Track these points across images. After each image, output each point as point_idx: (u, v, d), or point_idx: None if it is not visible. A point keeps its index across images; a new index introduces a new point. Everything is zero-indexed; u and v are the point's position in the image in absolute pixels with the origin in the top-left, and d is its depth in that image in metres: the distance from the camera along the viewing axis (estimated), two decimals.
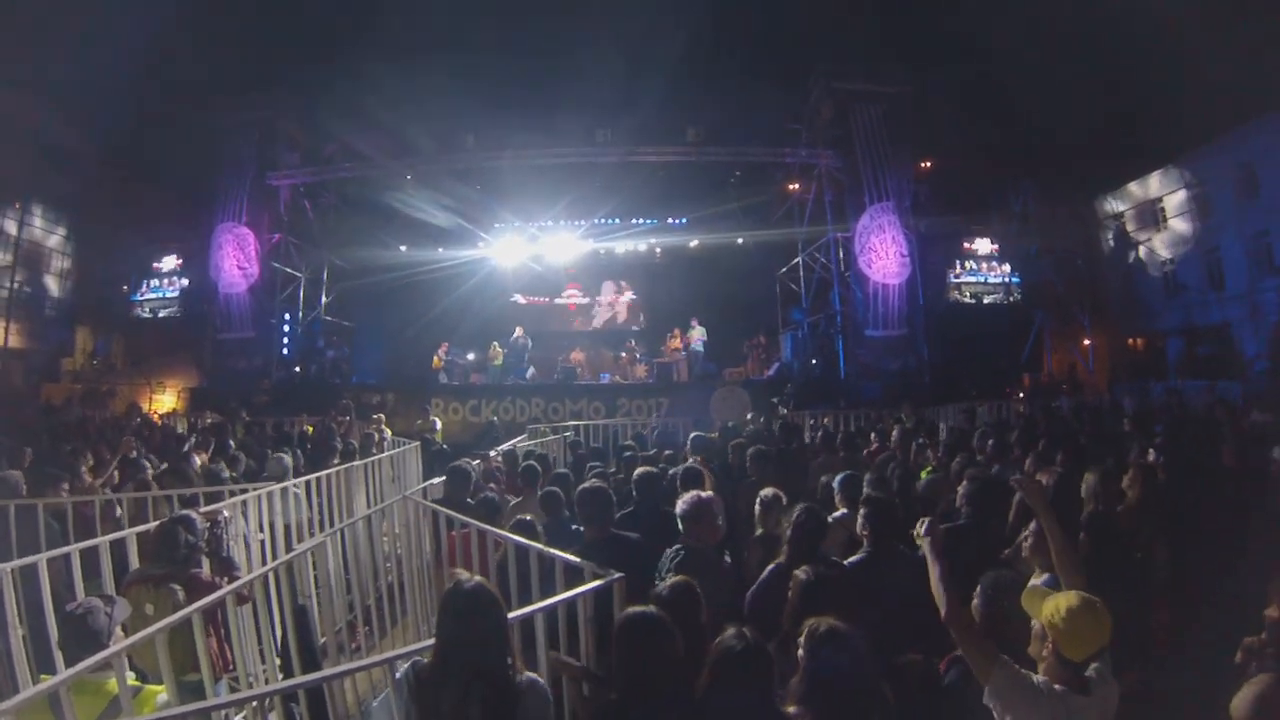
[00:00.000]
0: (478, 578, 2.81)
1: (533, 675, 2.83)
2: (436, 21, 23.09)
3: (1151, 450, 6.55)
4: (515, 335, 22.64)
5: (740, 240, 24.26)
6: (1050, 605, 2.84)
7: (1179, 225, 24.93)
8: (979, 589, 3.46)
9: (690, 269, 25.27)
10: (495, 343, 22.85)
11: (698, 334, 22.03)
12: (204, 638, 3.77)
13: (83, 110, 22.93)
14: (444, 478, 7.64)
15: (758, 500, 5.35)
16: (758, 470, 6.96)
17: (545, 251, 24.69)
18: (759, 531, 5.26)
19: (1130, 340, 27.72)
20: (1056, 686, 2.78)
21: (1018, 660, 2.94)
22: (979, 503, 5.06)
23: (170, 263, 26.23)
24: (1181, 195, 24.67)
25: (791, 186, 23.74)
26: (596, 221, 24.09)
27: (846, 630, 2.89)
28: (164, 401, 22.60)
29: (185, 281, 25.77)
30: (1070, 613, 2.77)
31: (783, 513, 4.83)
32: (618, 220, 24.31)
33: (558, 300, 27.40)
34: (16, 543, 5.76)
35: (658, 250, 25.68)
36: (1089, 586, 3.10)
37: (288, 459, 8.45)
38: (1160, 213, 25.60)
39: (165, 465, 8.46)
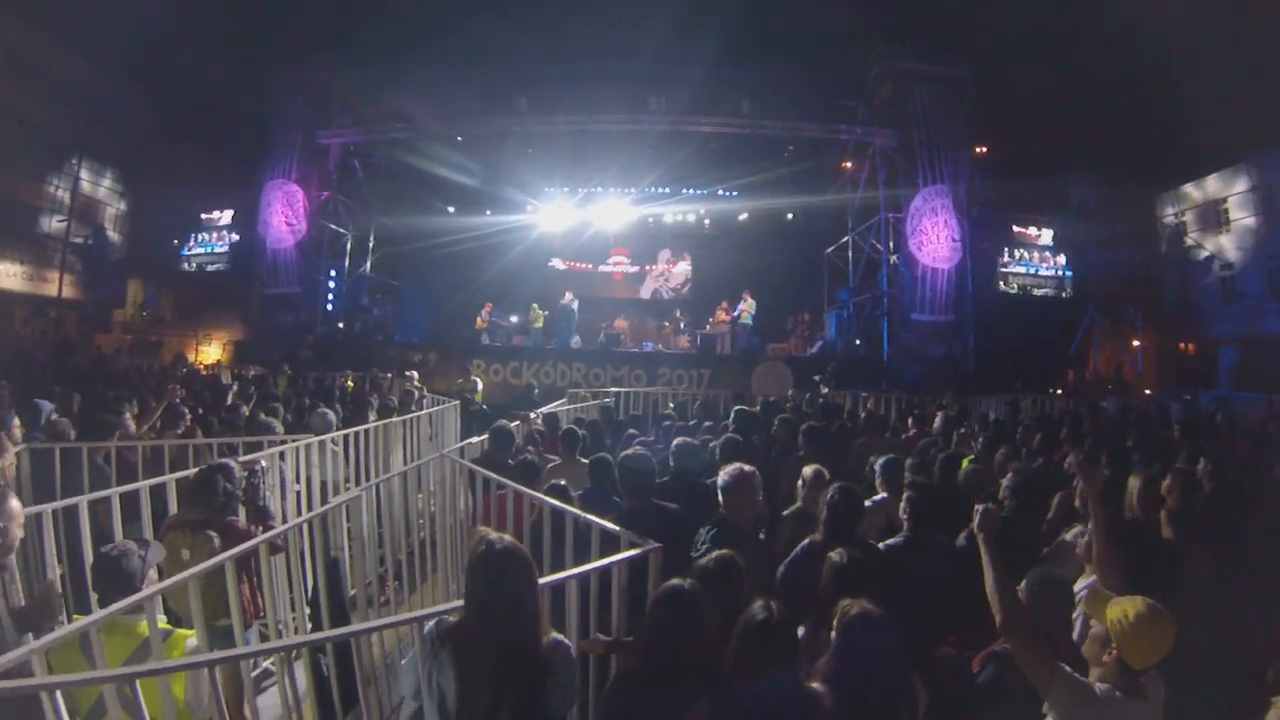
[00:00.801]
0: (508, 537, 2.74)
1: (558, 636, 2.79)
2: None
3: (1202, 459, 6.37)
4: (564, 300, 22.68)
5: (790, 216, 24.18)
6: (1117, 610, 2.78)
7: (1242, 229, 24.14)
8: (1025, 585, 3.39)
9: (739, 242, 25.26)
10: (535, 305, 22.88)
11: (748, 307, 21.86)
12: (236, 584, 3.77)
13: (138, 68, 23.19)
14: (483, 437, 7.67)
15: (800, 477, 5.28)
16: (808, 446, 6.90)
17: (593, 218, 24.70)
18: (796, 505, 5.20)
19: (1182, 345, 26.98)
20: (1117, 694, 2.74)
21: (1060, 657, 2.92)
22: (1023, 496, 4.97)
23: (220, 218, 26.48)
24: (1247, 198, 23.86)
25: (845, 164, 23.47)
26: (646, 189, 23.99)
27: (880, 614, 2.86)
28: (210, 353, 22.98)
29: (235, 237, 26.01)
30: (1139, 619, 2.71)
31: (824, 491, 4.77)
32: (667, 189, 24.23)
33: (603, 267, 27.43)
34: (61, 485, 5.87)
35: (707, 222, 25.68)
36: (1124, 591, 3.01)
37: (331, 414, 8.50)
38: (1223, 214, 24.74)
39: (218, 416, 8.58)
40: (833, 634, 2.91)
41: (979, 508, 3.42)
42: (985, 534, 3.32)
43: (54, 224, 23.73)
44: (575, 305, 22.68)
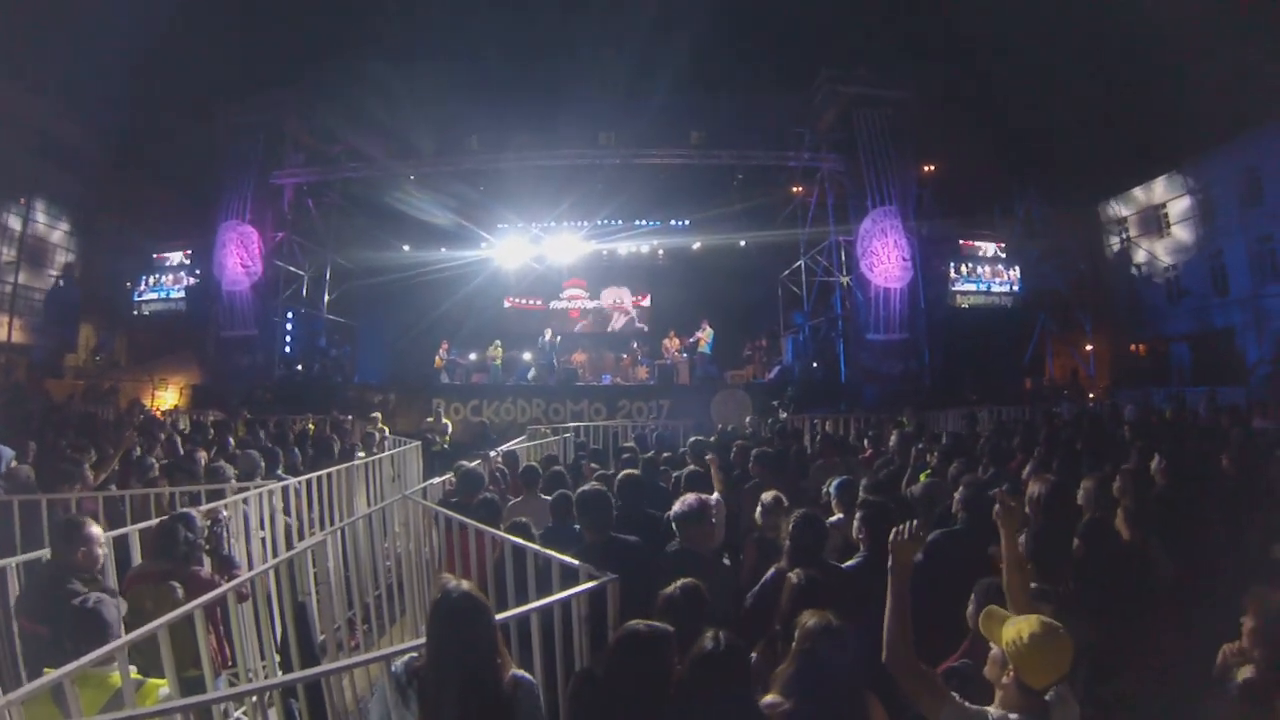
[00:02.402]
0: (465, 584, 2.84)
1: (519, 672, 2.87)
2: (441, 24, 23.22)
3: (1156, 455, 6.55)
4: (545, 338, 22.75)
5: (743, 243, 24.34)
6: (1012, 631, 2.73)
7: (1183, 230, 24.95)
8: (973, 595, 3.49)
9: (693, 271, 25.36)
10: (498, 341, 22.95)
11: (705, 335, 22.03)
12: (204, 634, 3.81)
13: (89, 108, 23.00)
14: (444, 477, 7.74)
15: (759, 503, 5.39)
16: (760, 472, 7.01)
17: (548, 252, 24.76)
18: (757, 532, 5.30)
19: (1133, 345, 27.66)
20: (1013, 717, 2.68)
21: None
22: (974, 508, 5.08)
23: (174, 260, 26.13)
24: (1185, 200, 24.69)
25: (794, 189, 23.73)
26: (599, 223, 24.11)
27: (838, 624, 2.95)
28: (166, 399, 22.65)
29: (189, 280, 25.65)
30: (1033, 639, 2.66)
31: (783, 516, 4.88)
32: (620, 221, 24.33)
33: (555, 303, 27.53)
34: (21, 538, 5.83)
35: (660, 253, 25.79)
36: (1085, 593, 3.09)
37: (256, 454, 8.47)
38: (1164, 218, 25.60)
39: (168, 462, 8.51)
40: (793, 645, 2.98)
41: (893, 533, 3.20)
42: (896, 560, 3.12)
43: (2, 265, 23.35)
44: (556, 341, 22.76)
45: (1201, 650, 3.59)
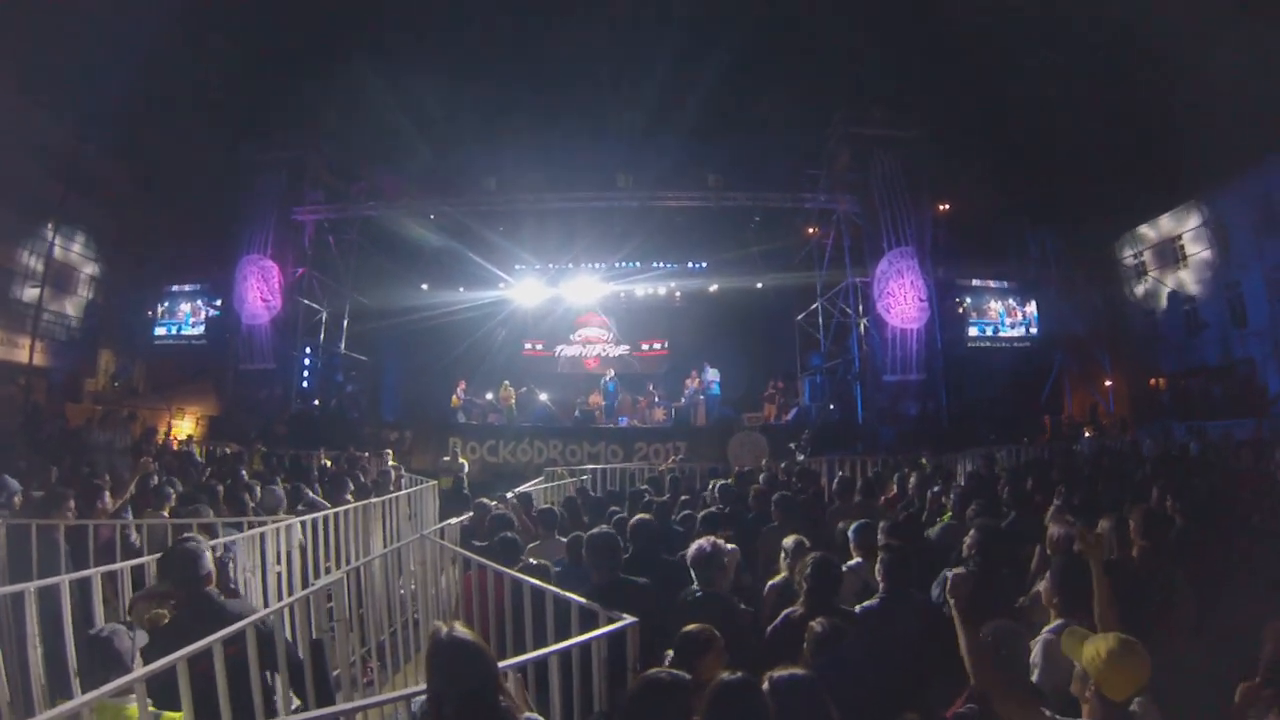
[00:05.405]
0: (459, 626, 2.80)
1: (533, 716, 2.85)
2: (461, 66, 23.46)
3: (1169, 497, 6.47)
4: (606, 377, 22.90)
5: (759, 285, 24.38)
6: (1090, 649, 2.92)
7: (1199, 262, 24.75)
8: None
9: (710, 314, 25.46)
10: (506, 382, 23.09)
11: (711, 375, 22.05)
12: (222, 665, 3.78)
13: (116, 138, 23.29)
14: (462, 518, 7.78)
15: (782, 548, 5.39)
16: (780, 516, 6.98)
17: (565, 294, 24.89)
18: (780, 576, 5.27)
19: (1152, 380, 27.42)
20: None
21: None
22: (987, 551, 5.04)
23: (194, 292, 26.36)
24: (1201, 232, 24.50)
25: (810, 231, 23.83)
26: (616, 265, 24.25)
27: (807, 676, 2.89)
28: (183, 428, 22.73)
29: (209, 311, 25.83)
30: (1110, 654, 2.85)
31: (800, 560, 4.85)
32: (637, 264, 24.45)
33: (573, 339, 27.59)
34: (37, 563, 5.82)
35: (677, 294, 25.87)
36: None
37: (280, 490, 8.51)
38: (1180, 250, 25.40)
39: (186, 491, 8.53)
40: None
41: (948, 574, 3.61)
42: (956, 599, 3.47)
43: (27, 290, 23.53)
44: (614, 384, 22.83)
45: (1217, 689, 3.53)
